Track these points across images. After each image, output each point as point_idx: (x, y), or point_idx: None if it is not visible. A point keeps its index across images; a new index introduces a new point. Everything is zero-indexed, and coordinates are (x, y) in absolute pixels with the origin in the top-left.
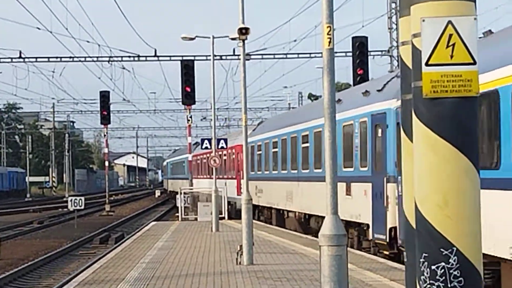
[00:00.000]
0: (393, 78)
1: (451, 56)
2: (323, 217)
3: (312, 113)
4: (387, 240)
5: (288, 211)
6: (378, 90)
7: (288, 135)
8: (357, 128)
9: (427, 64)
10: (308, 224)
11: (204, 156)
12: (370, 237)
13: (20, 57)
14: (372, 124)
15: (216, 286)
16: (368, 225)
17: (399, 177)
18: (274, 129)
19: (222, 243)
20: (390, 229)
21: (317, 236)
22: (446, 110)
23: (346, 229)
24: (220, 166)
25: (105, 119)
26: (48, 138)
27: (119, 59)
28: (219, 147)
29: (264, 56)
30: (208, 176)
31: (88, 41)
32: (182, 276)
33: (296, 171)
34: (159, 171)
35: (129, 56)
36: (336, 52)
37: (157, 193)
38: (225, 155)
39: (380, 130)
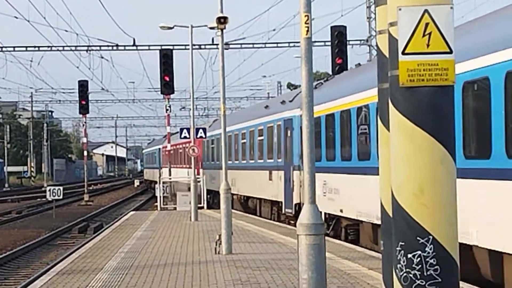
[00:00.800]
0: (314, 88)
1: (428, 45)
2: (258, 198)
3: (249, 115)
4: (293, 213)
5: (233, 194)
6: (290, 101)
7: (233, 132)
8: (275, 129)
9: (403, 53)
10: (247, 204)
11: (174, 147)
12: (283, 211)
13: None
14: (284, 126)
15: (195, 275)
16: (282, 202)
17: (325, 165)
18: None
19: (201, 232)
20: (295, 204)
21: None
22: (423, 98)
23: (270, 207)
24: (183, 157)
25: (84, 109)
26: (26, 128)
27: (98, 48)
28: (198, 136)
29: (243, 46)
30: (175, 166)
31: (66, 30)
32: (160, 266)
33: (238, 162)
34: (138, 161)
35: (108, 46)
36: (315, 42)
37: (136, 182)
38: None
39: (289, 131)
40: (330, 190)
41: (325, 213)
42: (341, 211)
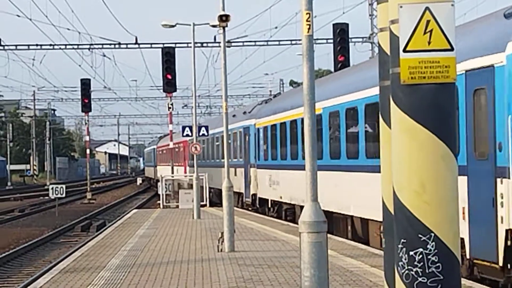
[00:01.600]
0: (258, 104)
1: (429, 43)
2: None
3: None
4: (250, 201)
5: (211, 188)
6: (249, 112)
7: (210, 136)
8: (238, 135)
9: (405, 51)
10: (221, 196)
11: (166, 147)
12: (244, 200)
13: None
14: (244, 133)
15: (197, 273)
16: (243, 193)
17: (257, 163)
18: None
19: (204, 230)
20: (252, 195)
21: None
22: (424, 96)
23: (237, 197)
24: (175, 155)
25: (86, 107)
26: (29, 126)
27: (100, 46)
28: (200, 134)
29: (245, 43)
30: (167, 164)
31: (68, 29)
32: (163, 264)
33: (213, 160)
34: (141, 159)
35: (110, 44)
36: (317, 39)
37: (139, 180)
38: (177, 148)
39: (247, 137)
40: (273, 182)
41: (270, 200)
42: (281, 197)
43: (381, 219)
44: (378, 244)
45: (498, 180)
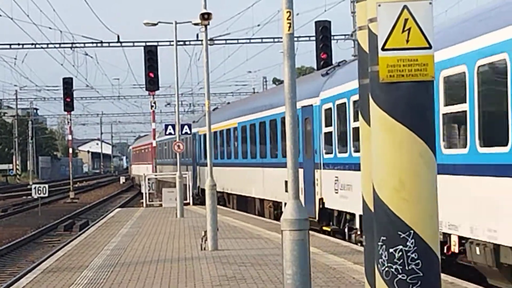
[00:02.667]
0: (204, 115)
1: (407, 41)
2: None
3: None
4: (198, 194)
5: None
6: (196, 122)
7: (168, 140)
8: (189, 140)
9: (383, 49)
10: None
11: (137, 148)
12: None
13: None
14: (192, 138)
15: (181, 272)
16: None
17: (205, 161)
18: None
19: (187, 229)
20: (197, 187)
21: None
22: (403, 94)
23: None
24: (144, 155)
25: (69, 106)
26: (11, 126)
27: (82, 45)
28: (183, 132)
29: (228, 41)
30: (139, 163)
31: (50, 28)
32: (146, 263)
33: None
34: (124, 158)
35: (92, 43)
36: (299, 37)
37: (122, 179)
38: (146, 148)
39: (195, 141)
40: (221, 177)
41: (222, 192)
42: (227, 189)
43: (277, 200)
44: (270, 215)
45: (316, 170)
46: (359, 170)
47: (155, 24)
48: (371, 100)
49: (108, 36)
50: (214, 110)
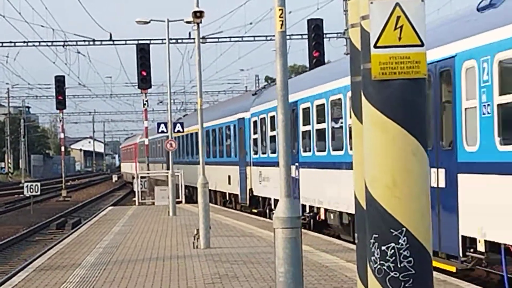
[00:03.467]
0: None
1: (399, 38)
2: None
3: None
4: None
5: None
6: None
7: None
8: (159, 143)
9: (375, 46)
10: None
11: (125, 148)
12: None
13: None
14: (163, 141)
15: (173, 270)
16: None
17: (176, 161)
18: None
19: (179, 227)
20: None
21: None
22: (395, 91)
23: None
24: (129, 154)
25: (61, 104)
26: (3, 124)
27: (74, 43)
28: (176, 130)
29: (220, 39)
30: (127, 161)
31: (42, 26)
32: (138, 261)
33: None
34: (116, 156)
35: (84, 41)
36: (292, 35)
37: (114, 177)
38: (131, 148)
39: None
40: (185, 172)
41: (185, 185)
42: (189, 183)
43: (223, 190)
44: (220, 202)
45: (247, 167)
46: (274, 166)
47: (147, 22)
48: (363, 98)
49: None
50: (184, 116)
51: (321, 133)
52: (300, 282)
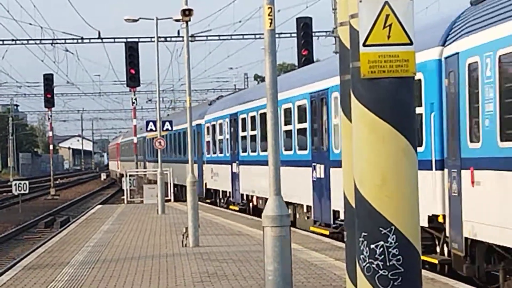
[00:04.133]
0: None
1: (388, 37)
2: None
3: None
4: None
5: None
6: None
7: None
8: (140, 143)
9: (364, 45)
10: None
11: (111, 147)
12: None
13: None
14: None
15: (162, 268)
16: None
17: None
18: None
19: (168, 225)
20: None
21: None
22: (384, 90)
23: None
24: (114, 152)
25: (49, 102)
26: None
27: (63, 41)
28: (165, 128)
29: (209, 38)
30: (113, 159)
31: (30, 24)
32: (127, 259)
33: (126, 157)
34: (105, 154)
35: (73, 39)
36: (281, 33)
37: (103, 176)
38: (113, 147)
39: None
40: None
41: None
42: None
43: (185, 184)
44: (183, 196)
45: (203, 165)
46: (222, 164)
47: (136, 20)
48: (352, 96)
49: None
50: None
51: (253, 138)
52: (289, 280)
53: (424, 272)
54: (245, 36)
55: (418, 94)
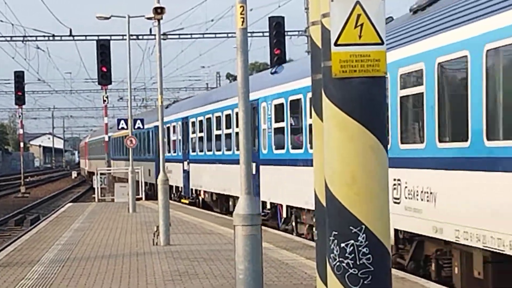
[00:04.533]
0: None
1: (360, 36)
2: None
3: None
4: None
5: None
6: (119, 127)
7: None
8: (101, 143)
9: (336, 44)
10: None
11: (83, 145)
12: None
13: None
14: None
15: (132, 267)
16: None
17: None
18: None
19: (139, 224)
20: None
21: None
22: (355, 89)
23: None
24: (83, 151)
25: (20, 100)
26: None
27: (34, 39)
28: (136, 127)
29: (181, 36)
30: (83, 158)
31: (1, 21)
32: (98, 258)
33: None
34: (76, 152)
35: (44, 36)
36: (253, 32)
37: (74, 174)
38: (83, 146)
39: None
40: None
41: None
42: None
43: (146, 181)
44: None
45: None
46: (175, 162)
47: (107, 18)
48: (323, 95)
49: (60, 30)
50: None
51: (201, 140)
52: (260, 279)
53: (394, 271)
54: (217, 35)
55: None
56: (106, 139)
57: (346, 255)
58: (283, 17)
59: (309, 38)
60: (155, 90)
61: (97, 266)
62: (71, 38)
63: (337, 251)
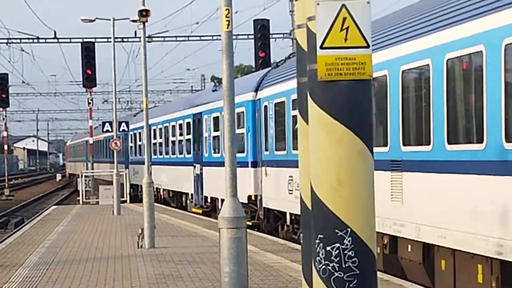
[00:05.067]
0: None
1: (345, 39)
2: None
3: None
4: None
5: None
6: (102, 128)
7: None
8: (84, 146)
9: (321, 47)
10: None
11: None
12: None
13: None
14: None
15: (117, 270)
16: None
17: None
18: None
19: (124, 226)
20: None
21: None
22: (340, 92)
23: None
24: (67, 155)
25: (4, 102)
26: None
27: (18, 41)
28: (121, 129)
29: (166, 39)
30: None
31: None
32: (82, 261)
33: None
34: (60, 155)
35: (28, 38)
36: (238, 35)
37: (58, 177)
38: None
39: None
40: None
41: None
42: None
43: (135, 183)
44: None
45: (129, 165)
46: (140, 164)
47: (92, 21)
48: (309, 98)
49: (44, 32)
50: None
51: (160, 144)
52: (245, 282)
53: (379, 274)
54: (202, 38)
55: (242, 121)
56: (91, 141)
57: (332, 258)
58: (268, 20)
59: (295, 41)
60: (140, 93)
61: (82, 269)
62: (55, 40)
63: (322, 254)
